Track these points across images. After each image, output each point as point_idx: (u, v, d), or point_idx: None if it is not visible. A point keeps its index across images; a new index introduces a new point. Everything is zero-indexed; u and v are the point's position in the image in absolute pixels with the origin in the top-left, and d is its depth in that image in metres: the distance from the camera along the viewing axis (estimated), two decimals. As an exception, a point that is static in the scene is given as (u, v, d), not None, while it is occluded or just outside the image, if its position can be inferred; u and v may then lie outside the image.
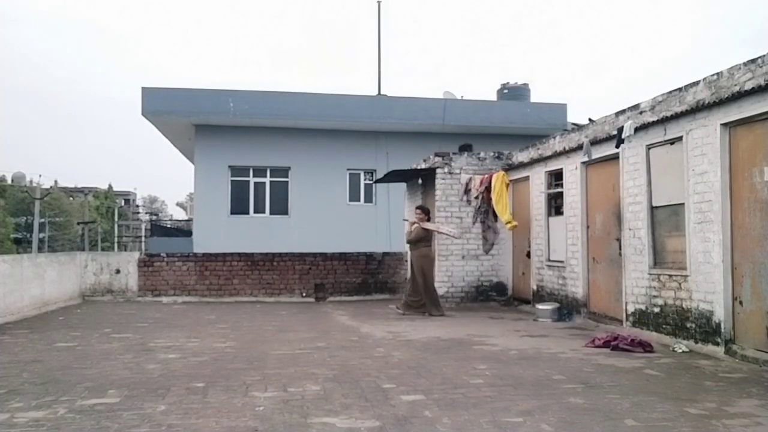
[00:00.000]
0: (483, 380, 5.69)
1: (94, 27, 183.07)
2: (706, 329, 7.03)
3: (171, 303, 13.38)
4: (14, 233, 63.04)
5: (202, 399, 5.01)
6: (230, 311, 11.71)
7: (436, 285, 11.60)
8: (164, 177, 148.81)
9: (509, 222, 11.46)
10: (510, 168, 12.41)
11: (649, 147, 8.14)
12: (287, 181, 20.61)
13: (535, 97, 23.58)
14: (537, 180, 11.42)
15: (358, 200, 20.96)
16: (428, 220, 11.25)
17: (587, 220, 9.74)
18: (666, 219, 7.92)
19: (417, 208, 11.54)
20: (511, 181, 12.07)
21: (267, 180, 20.62)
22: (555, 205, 10.98)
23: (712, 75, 6.95)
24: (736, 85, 6.54)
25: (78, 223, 59.94)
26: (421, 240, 11.00)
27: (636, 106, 8.35)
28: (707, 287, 7.00)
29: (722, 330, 6.78)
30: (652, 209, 8.12)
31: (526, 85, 23.74)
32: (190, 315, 11.15)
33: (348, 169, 20.82)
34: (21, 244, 61.43)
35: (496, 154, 12.75)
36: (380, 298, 14.17)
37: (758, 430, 4.26)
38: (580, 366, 6.37)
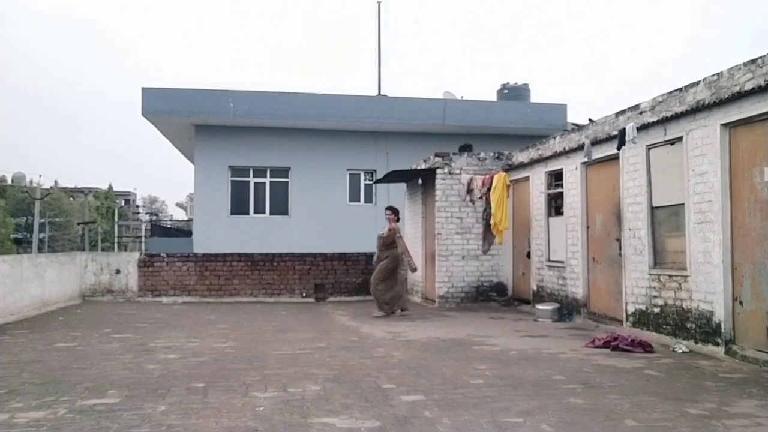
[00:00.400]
0: (483, 380, 5.69)
1: (94, 27, 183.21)
2: (706, 329, 7.03)
3: (171, 303, 13.38)
4: (14, 233, 63.05)
5: (202, 399, 5.01)
6: (230, 311, 11.71)
7: (437, 285, 11.64)
8: (164, 177, 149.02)
9: (505, 229, 11.61)
10: (510, 168, 12.41)
11: (649, 147, 8.14)
12: (287, 182, 20.61)
13: (535, 97, 23.60)
14: (537, 180, 11.42)
15: (358, 200, 20.95)
16: (397, 220, 11.34)
17: (587, 220, 9.74)
18: (666, 219, 7.91)
19: (387, 208, 11.49)
20: (511, 181, 12.08)
21: (267, 180, 20.62)
22: (555, 205, 10.98)
23: (712, 75, 6.95)
24: (736, 85, 6.54)
25: (78, 224, 59.93)
26: (392, 243, 11.10)
27: (636, 107, 8.35)
28: (707, 287, 7.00)
29: (722, 330, 6.78)
30: (652, 209, 8.12)
31: (526, 85, 23.75)
32: (190, 315, 11.15)
33: (348, 170, 20.83)
34: (21, 245, 61.44)
35: (496, 155, 12.75)
36: (380, 299, 14.15)
37: (758, 430, 4.26)
38: (580, 366, 6.37)
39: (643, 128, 8.10)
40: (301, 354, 7.07)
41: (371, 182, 20.74)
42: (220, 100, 19.24)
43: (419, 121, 20.26)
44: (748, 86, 6.36)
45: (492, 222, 11.77)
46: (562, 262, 10.41)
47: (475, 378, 5.79)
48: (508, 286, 12.56)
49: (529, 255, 11.68)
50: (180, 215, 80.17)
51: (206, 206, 20.14)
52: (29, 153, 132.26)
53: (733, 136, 6.76)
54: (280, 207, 20.56)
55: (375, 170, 20.53)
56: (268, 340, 8.18)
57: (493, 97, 23.86)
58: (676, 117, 7.50)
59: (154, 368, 6.26)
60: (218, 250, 15.52)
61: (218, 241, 18.53)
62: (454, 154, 12.72)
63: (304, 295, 14.06)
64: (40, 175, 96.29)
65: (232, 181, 20.34)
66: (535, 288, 11.34)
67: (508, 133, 20.23)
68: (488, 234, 12.30)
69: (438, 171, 12.46)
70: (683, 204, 7.46)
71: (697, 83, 7.19)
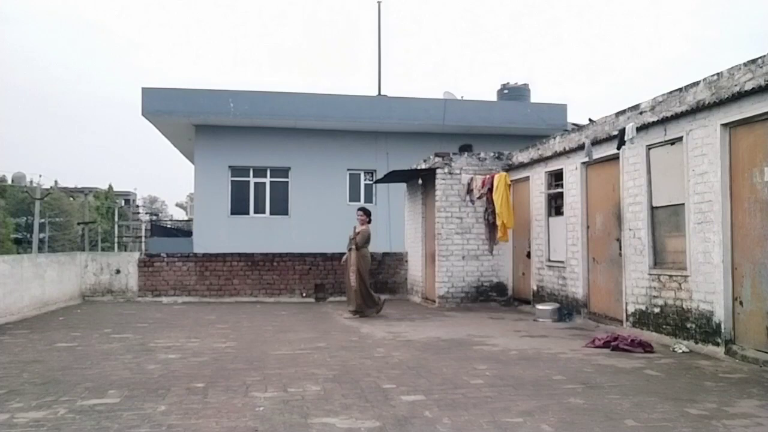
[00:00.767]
0: (483, 380, 5.69)
1: (94, 27, 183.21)
2: (706, 329, 7.02)
3: (171, 303, 13.38)
4: (14, 233, 63.06)
5: (202, 399, 5.01)
6: (230, 311, 11.71)
7: (437, 285, 11.63)
8: (164, 177, 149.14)
9: (510, 227, 11.59)
10: (510, 168, 12.41)
11: (649, 147, 8.14)
12: (287, 182, 20.62)
13: (535, 98, 23.63)
14: (537, 180, 11.42)
15: (358, 200, 20.93)
16: (369, 222, 11.27)
17: (587, 220, 9.74)
18: (666, 219, 7.91)
19: (359, 210, 11.42)
20: (511, 181, 12.07)
21: (267, 180, 20.63)
22: (555, 205, 10.98)
23: (713, 75, 6.95)
24: (736, 85, 6.54)
25: (78, 224, 59.95)
26: (365, 243, 11.06)
27: (636, 107, 8.35)
28: (707, 287, 7.00)
29: (722, 330, 6.78)
30: (653, 209, 8.12)
31: (526, 85, 23.76)
32: (191, 315, 11.15)
33: (348, 170, 20.83)
34: (21, 245, 61.45)
35: (497, 155, 12.75)
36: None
37: (758, 430, 4.26)
38: (581, 366, 6.37)
39: (643, 128, 8.10)
40: (301, 354, 7.07)
41: (371, 182, 20.74)
42: (220, 100, 19.24)
43: (419, 121, 20.27)
44: (748, 86, 6.36)
45: (499, 222, 11.75)
46: (562, 262, 10.41)
47: (475, 378, 5.79)
48: (508, 286, 12.56)
49: (529, 255, 11.68)
50: (180, 215, 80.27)
51: (206, 206, 20.14)
52: (29, 153, 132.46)
53: (733, 136, 6.76)
54: (280, 207, 20.57)
55: (375, 170, 20.54)
56: (268, 340, 8.18)
57: (493, 97, 23.89)
58: (676, 117, 7.50)
59: (154, 368, 6.26)
60: (218, 250, 15.52)
61: (218, 241, 18.54)
62: (454, 154, 12.72)
63: (304, 295, 14.06)
64: (40, 175, 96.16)
65: (232, 181, 20.35)
66: (535, 288, 11.34)
67: (508, 133, 20.25)
68: (492, 234, 12.30)
69: (438, 171, 12.46)
70: (683, 204, 7.46)
71: (697, 83, 7.19)
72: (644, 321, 8.13)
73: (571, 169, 10.14)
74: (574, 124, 13.97)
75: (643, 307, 8.16)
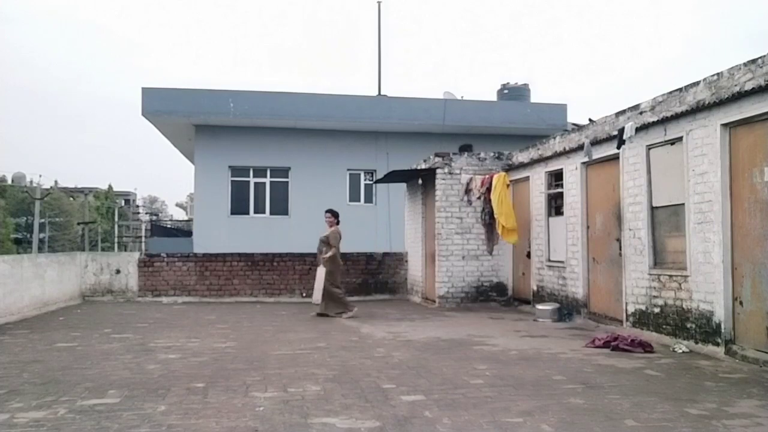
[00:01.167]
0: (483, 380, 5.69)
1: (94, 27, 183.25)
2: (706, 329, 7.02)
3: (171, 303, 13.38)
4: (14, 233, 63.06)
5: (202, 399, 5.01)
6: (230, 311, 11.71)
7: (437, 285, 11.65)
8: (164, 177, 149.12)
9: (513, 228, 11.52)
10: (510, 168, 12.41)
11: (649, 147, 8.14)
12: (287, 182, 20.62)
13: (535, 97, 23.64)
14: (537, 180, 11.42)
15: (359, 200, 20.96)
16: (337, 223, 11.15)
17: (587, 220, 9.74)
18: (666, 219, 7.91)
19: (327, 211, 11.26)
20: (511, 181, 12.07)
21: (267, 180, 20.63)
22: (555, 205, 10.98)
23: (713, 75, 6.95)
24: (736, 85, 6.54)
25: (78, 224, 59.96)
26: (338, 244, 10.97)
27: (636, 107, 8.35)
28: (707, 287, 7.00)
29: (722, 330, 6.78)
30: (653, 209, 8.12)
31: (526, 85, 23.77)
32: (191, 315, 11.15)
33: (348, 170, 20.83)
34: (21, 245, 61.46)
35: (497, 155, 12.75)
36: (380, 299, 14.18)
37: (758, 430, 4.26)
38: (581, 366, 6.37)
39: (643, 128, 8.10)
40: (301, 354, 7.07)
41: (371, 182, 20.74)
42: (220, 100, 19.24)
43: (419, 121, 20.27)
44: (748, 86, 6.36)
45: (497, 222, 11.74)
46: (562, 262, 10.41)
47: (475, 378, 5.79)
48: (508, 286, 12.56)
49: (529, 255, 11.68)
50: (180, 215, 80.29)
51: (206, 206, 20.14)
52: (29, 153, 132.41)
53: (733, 136, 6.76)
54: (280, 207, 20.57)
55: (375, 170, 20.54)
56: (268, 340, 8.18)
57: (493, 97, 23.89)
58: (676, 117, 7.50)
59: (154, 368, 6.26)
60: (218, 250, 15.52)
61: (218, 241, 18.54)
62: (454, 154, 12.72)
63: (304, 295, 14.05)
64: (40, 175, 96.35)
65: (232, 181, 20.35)
66: (535, 288, 11.34)
67: (508, 133, 20.25)
68: (490, 234, 12.30)
69: (438, 171, 12.46)
70: (683, 204, 7.46)
71: (697, 83, 7.19)
72: (644, 321, 8.13)
73: (571, 169, 10.14)
74: (574, 124, 13.97)
75: (643, 307, 8.16)
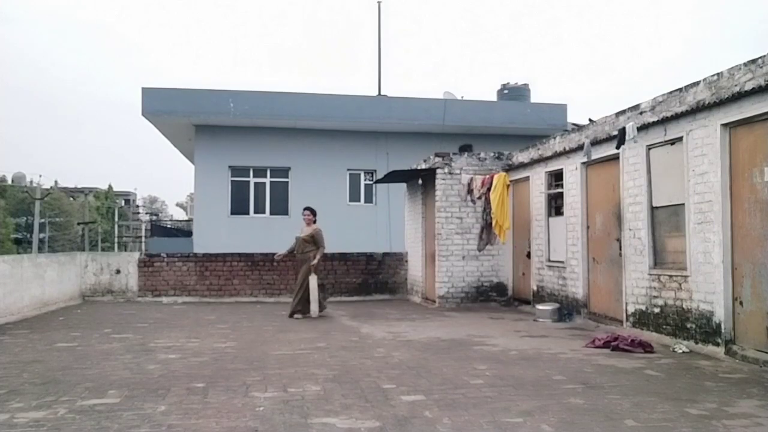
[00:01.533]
0: (483, 380, 5.69)
1: (94, 28, 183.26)
2: (706, 330, 7.02)
3: (171, 303, 13.38)
4: (14, 233, 63.08)
5: (202, 399, 5.01)
6: (230, 311, 11.71)
7: (437, 285, 11.70)
8: (164, 177, 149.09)
9: (507, 228, 11.60)
10: (510, 168, 12.42)
11: (649, 147, 8.14)
12: (287, 182, 20.62)
13: (535, 97, 23.62)
14: (537, 180, 11.42)
15: (359, 200, 20.96)
16: (314, 221, 11.15)
17: (587, 220, 9.74)
18: (666, 219, 7.91)
19: (306, 209, 11.27)
20: (511, 181, 12.08)
21: (267, 180, 20.62)
22: (555, 205, 10.98)
23: (713, 75, 6.95)
24: (736, 85, 6.54)
25: (78, 224, 59.96)
26: (313, 243, 10.94)
27: (636, 107, 8.35)
28: (707, 288, 7.00)
29: (722, 330, 6.78)
30: (653, 209, 8.12)
31: (526, 85, 23.75)
32: (191, 315, 11.15)
33: (348, 170, 20.83)
34: (21, 245, 61.47)
35: (497, 155, 12.75)
36: (380, 299, 14.18)
37: (758, 430, 4.26)
38: (581, 366, 6.37)
39: (643, 128, 8.10)
40: (301, 354, 7.07)
41: (371, 182, 20.74)
42: (220, 100, 19.24)
43: (419, 121, 20.26)
44: (748, 86, 6.36)
45: (493, 222, 11.79)
46: (562, 262, 10.41)
47: (476, 378, 5.79)
48: (508, 286, 12.56)
49: (529, 255, 11.68)
50: (180, 215, 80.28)
51: (206, 206, 20.14)
52: (29, 153, 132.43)
53: (733, 137, 6.76)
54: (280, 207, 20.56)
55: (375, 170, 20.54)
56: (268, 340, 8.18)
57: (493, 97, 23.87)
58: (676, 117, 7.50)
59: (154, 368, 6.26)
60: (218, 250, 15.51)
61: (218, 241, 18.53)
62: (454, 154, 12.72)
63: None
64: (40, 175, 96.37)
65: (232, 181, 20.35)
66: (535, 288, 11.34)
67: (508, 133, 20.24)
68: (486, 233, 12.30)
69: (438, 171, 12.46)
70: (683, 204, 7.46)
71: (697, 83, 7.19)
72: (644, 321, 8.13)
73: (571, 169, 10.14)
74: (574, 124, 13.97)
75: (643, 307, 8.16)
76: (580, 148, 9.61)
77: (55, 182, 72.97)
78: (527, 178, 11.81)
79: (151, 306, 12.77)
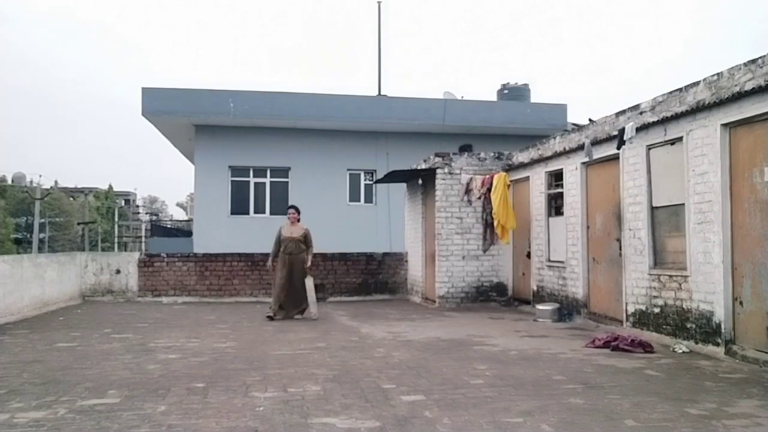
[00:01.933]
0: (483, 380, 5.69)
1: (94, 28, 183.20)
2: (706, 330, 7.02)
3: (171, 303, 13.38)
4: (14, 233, 63.08)
5: (202, 399, 5.01)
6: (230, 311, 11.71)
7: (437, 285, 11.72)
8: (164, 177, 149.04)
9: (512, 228, 11.59)
10: (510, 168, 12.42)
11: (649, 147, 8.14)
12: (287, 182, 20.62)
13: (535, 97, 23.62)
14: (537, 180, 11.42)
15: (359, 200, 20.96)
16: (298, 220, 11.02)
17: (587, 220, 9.74)
18: (666, 219, 7.91)
19: (291, 207, 11.10)
20: (511, 181, 12.08)
21: (267, 180, 20.63)
22: (555, 205, 10.98)
23: (713, 75, 6.95)
24: (736, 85, 6.54)
25: (78, 224, 59.95)
26: (303, 243, 10.77)
27: (636, 107, 8.35)
28: (707, 288, 7.00)
29: (722, 330, 6.78)
30: (653, 209, 8.12)
31: (526, 85, 23.76)
32: (191, 315, 11.15)
33: (348, 170, 20.83)
34: (21, 245, 61.47)
35: (497, 155, 12.75)
36: (380, 299, 14.18)
37: (758, 430, 4.26)
38: (581, 366, 6.37)
39: (643, 128, 8.10)
40: (301, 354, 7.07)
41: (371, 182, 20.74)
42: (220, 100, 19.24)
43: (419, 121, 20.27)
44: (748, 86, 6.36)
45: (495, 222, 11.79)
46: (562, 262, 10.41)
47: (476, 378, 5.79)
48: (508, 286, 12.56)
49: (529, 255, 11.68)
50: (180, 215, 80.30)
51: (206, 206, 20.14)
52: (29, 153, 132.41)
53: (733, 136, 6.76)
54: (280, 207, 20.48)
55: (375, 170, 20.54)
56: (268, 340, 8.18)
57: (493, 97, 23.88)
58: (676, 117, 7.50)
59: (154, 368, 6.26)
60: (218, 250, 15.51)
61: (218, 241, 18.53)
62: (454, 154, 12.72)
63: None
64: (40, 175, 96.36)
65: (232, 181, 20.35)
66: (535, 288, 11.34)
67: (508, 133, 20.25)
68: (488, 234, 12.31)
69: (438, 171, 12.46)
70: (683, 204, 7.46)
71: (697, 83, 7.19)
72: (644, 321, 8.13)
73: (571, 169, 10.14)
74: (574, 124, 13.97)
75: (643, 307, 8.16)
76: (580, 148, 9.61)
77: (55, 182, 73.02)
78: (527, 178, 11.81)
79: (151, 306, 12.77)
